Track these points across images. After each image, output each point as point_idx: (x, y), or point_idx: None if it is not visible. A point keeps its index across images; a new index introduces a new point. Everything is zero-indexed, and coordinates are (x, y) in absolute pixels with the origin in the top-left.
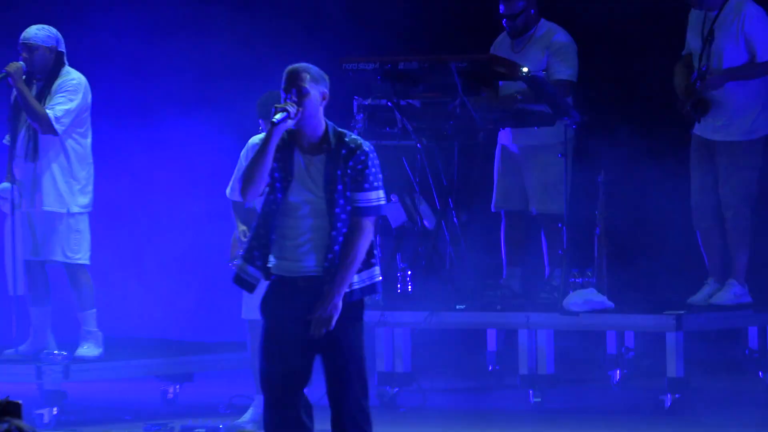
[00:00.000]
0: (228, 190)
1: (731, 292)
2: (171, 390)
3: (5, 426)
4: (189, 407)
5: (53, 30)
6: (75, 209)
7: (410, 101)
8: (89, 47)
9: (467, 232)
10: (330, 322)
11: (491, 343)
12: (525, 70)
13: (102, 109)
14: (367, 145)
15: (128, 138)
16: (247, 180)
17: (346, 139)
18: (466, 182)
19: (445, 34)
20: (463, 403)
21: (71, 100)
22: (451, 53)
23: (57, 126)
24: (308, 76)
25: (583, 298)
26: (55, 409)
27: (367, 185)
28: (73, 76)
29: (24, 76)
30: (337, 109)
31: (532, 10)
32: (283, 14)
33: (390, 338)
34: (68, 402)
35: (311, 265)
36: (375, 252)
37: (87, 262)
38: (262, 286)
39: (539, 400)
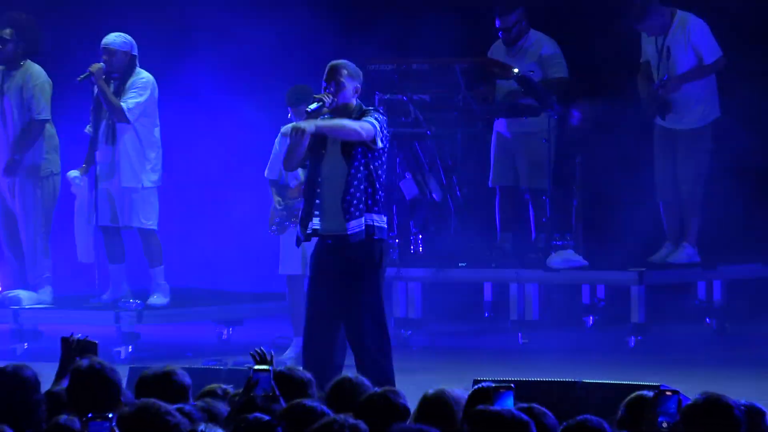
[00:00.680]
0: (266, 171)
1: (684, 253)
2: (225, 332)
3: (87, 362)
4: (239, 346)
5: (129, 37)
6: (147, 184)
7: (421, 96)
8: (164, 38)
9: (468, 204)
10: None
11: (487, 294)
12: (516, 71)
13: (171, 100)
14: (374, 108)
15: (191, 126)
16: (289, 155)
17: (365, 108)
18: (467, 162)
19: (451, 39)
20: (464, 343)
21: (141, 95)
22: (455, 56)
23: (129, 116)
24: (346, 72)
25: (563, 257)
26: (130, 347)
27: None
28: (143, 76)
29: (103, 76)
30: (365, 100)
31: (523, 22)
32: (318, 16)
33: (404, 290)
34: (141, 342)
35: (341, 222)
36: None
37: (156, 227)
38: (303, 246)
39: (527, 341)
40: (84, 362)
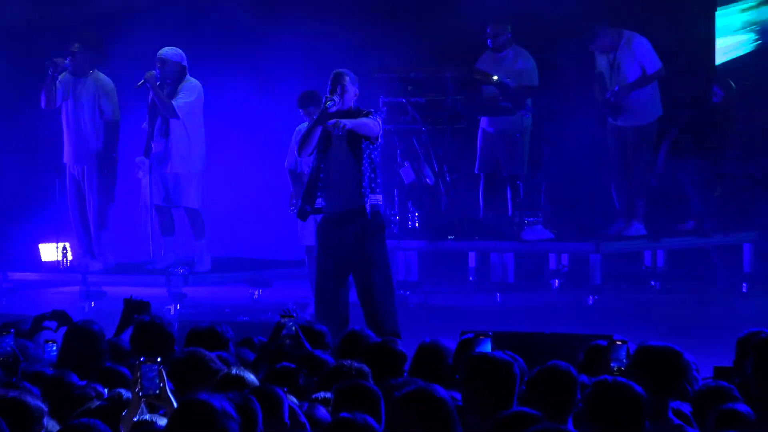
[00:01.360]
0: (286, 163)
1: (633, 228)
2: (256, 293)
3: (148, 317)
4: (268, 305)
5: (180, 50)
6: (193, 169)
7: (417, 99)
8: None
9: (456, 187)
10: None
11: (471, 261)
12: (495, 78)
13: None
14: (373, 110)
15: (229, 123)
16: (303, 143)
17: (360, 110)
18: (456, 153)
19: (443, 51)
20: (452, 302)
21: (189, 97)
22: (445, 66)
23: (179, 113)
24: (348, 79)
25: (534, 231)
26: (177, 305)
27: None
28: (192, 81)
29: (157, 81)
30: (369, 103)
31: (508, 35)
32: (330, 33)
33: (403, 258)
34: (187, 301)
35: (349, 201)
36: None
37: (199, 206)
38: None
39: (504, 299)
40: (146, 317)
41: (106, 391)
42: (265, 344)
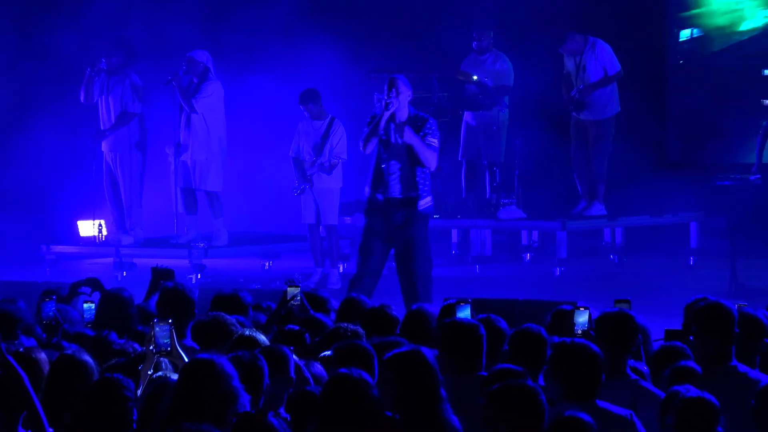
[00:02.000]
0: (290, 151)
1: (594, 208)
2: (267, 264)
3: (171, 283)
4: (278, 274)
5: (206, 52)
6: (213, 157)
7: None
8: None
9: (441, 172)
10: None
11: (454, 237)
12: (475, 78)
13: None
14: (428, 117)
15: (245, 116)
16: (367, 140)
17: (419, 115)
18: (441, 142)
19: (430, 54)
20: (437, 273)
21: (209, 94)
22: (431, 67)
23: (197, 109)
24: (400, 82)
25: (508, 211)
26: (198, 275)
27: (428, 134)
28: (212, 81)
29: (184, 79)
30: (365, 99)
31: (491, 40)
32: (333, 40)
33: None
34: (206, 271)
35: (399, 191)
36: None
37: (218, 189)
38: (315, 201)
39: (482, 271)
40: (170, 284)
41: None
42: (274, 310)
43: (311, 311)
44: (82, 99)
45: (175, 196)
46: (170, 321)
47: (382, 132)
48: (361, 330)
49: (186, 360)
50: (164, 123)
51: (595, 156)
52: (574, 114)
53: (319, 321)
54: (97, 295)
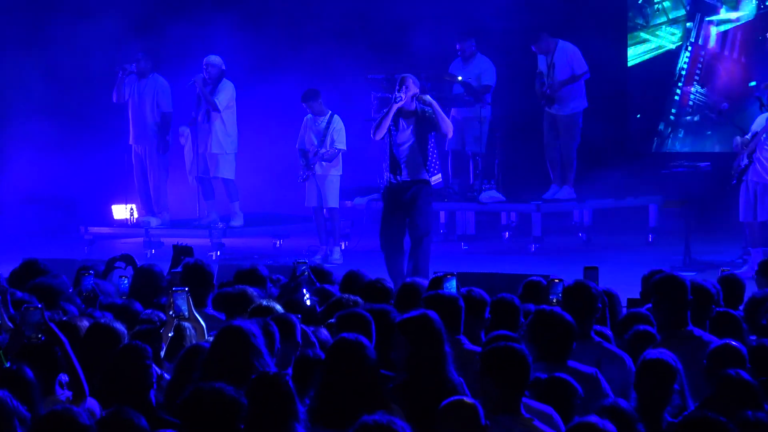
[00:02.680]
0: (297, 143)
1: (565, 192)
2: (278, 242)
3: (192, 259)
4: (288, 251)
5: (220, 58)
6: (228, 150)
7: (391, 95)
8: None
9: None
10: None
11: (442, 218)
12: (459, 78)
13: (246, 94)
14: (432, 107)
15: (257, 110)
16: (377, 129)
17: (424, 109)
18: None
19: (421, 57)
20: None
21: (225, 95)
22: (422, 69)
23: (219, 106)
24: (410, 81)
25: (489, 195)
26: (218, 252)
27: (439, 120)
28: (227, 83)
29: (204, 81)
30: (364, 97)
31: (473, 48)
32: (337, 47)
33: None
34: (224, 249)
35: (408, 175)
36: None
37: (233, 177)
38: (316, 186)
39: (467, 247)
40: (191, 259)
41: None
42: (285, 283)
43: (317, 284)
44: (114, 99)
45: (197, 183)
46: (186, 289)
47: (392, 123)
48: (360, 300)
49: (203, 325)
50: (184, 119)
51: (565, 146)
52: (546, 109)
53: (325, 291)
54: (130, 270)
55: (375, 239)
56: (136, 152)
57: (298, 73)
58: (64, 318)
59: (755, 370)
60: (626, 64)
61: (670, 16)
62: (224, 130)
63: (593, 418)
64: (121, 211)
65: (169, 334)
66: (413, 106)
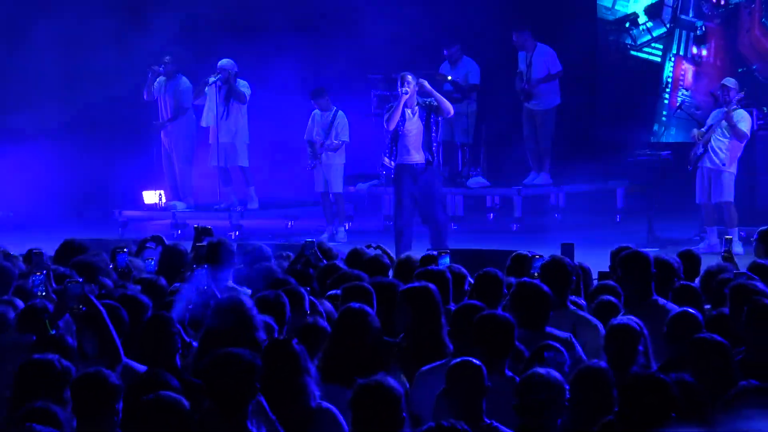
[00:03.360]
0: (305, 135)
1: (542, 178)
2: (289, 223)
3: (215, 238)
4: (298, 231)
5: (233, 60)
6: (244, 140)
7: (397, 92)
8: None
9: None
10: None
11: None
12: (449, 78)
13: (257, 90)
14: (432, 101)
15: (268, 104)
16: (390, 119)
17: (426, 101)
18: None
19: (415, 58)
20: (421, 229)
21: (242, 91)
22: (417, 68)
23: (246, 99)
24: (410, 76)
25: (476, 180)
26: (237, 232)
27: (441, 105)
28: (241, 82)
29: (218, 82)
30: (364, 94)
31: (459, 52)
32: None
33: (388, 199)
34: (242, 229)
35: (419, 158)
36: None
37: (247, 164)
38: (322, 172)
39: (456, 227)
40: (215, 239)
41: None
42: (294, 259)
43: (324, 260)
44: (144, 96)
45: (217, 171)
46: (206, 266)
47: (403, 113)
48: (364, 274)
49: (219, 296)
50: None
51: (542, 137)
52: (525, 104)
53: (331, 266)
54: (159, 249)
55: (375, 220)
56: (163, 144)
57: (306, 71)
58: (104, 291)
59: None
60: (596, 60)
61: (654, 34)
62: (242, 122)
63: (542, 370)
64: (151, 197)
65: (189, 307)
66: (416, 98)
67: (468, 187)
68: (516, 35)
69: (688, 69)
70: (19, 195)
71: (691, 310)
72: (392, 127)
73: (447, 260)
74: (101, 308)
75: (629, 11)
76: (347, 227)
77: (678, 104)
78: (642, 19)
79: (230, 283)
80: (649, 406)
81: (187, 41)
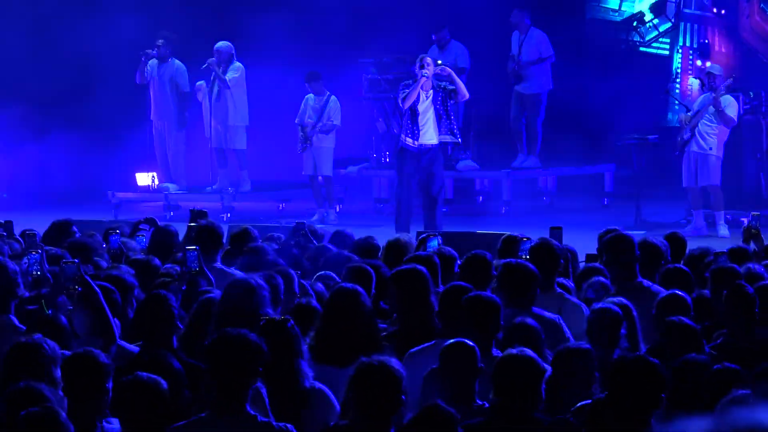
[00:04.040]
0: (297, 119)
1: (531, 160)
2: (281, 205)
3: (204, 221)
4: (289, 213)
5: (230, 43)
6: (239, 123)
7: (387, 76)
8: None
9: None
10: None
11: None
12: (439, 62)
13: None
14: (449, 84)
15: (264, 88)
16: (406, 99)
17: (441, 84)
18: None
19: (405, 43)
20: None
21: (235, 75)
22: (407, 54)
23: (229, 84)
24: (430, 60)
25: (466, 164)
26: (228, 214)
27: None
28: (236, 64)
29: (215, 65)
30: (356, 77)
31: (447, 36)
32: (332, 33)
33: (379, 182)
34: (234, 211)
35: (430, 139)
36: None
37: (243, 147)
38: (312, 156)
39: (446, 210)
40: (203, 221)
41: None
42: (284, 241)
43: (314, 241)
44: (137, 80)
45: (210, 153)
46: (197, 248)
47: (417, 96)
48: (355, 257)
49: (212, 278)
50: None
51: (531, 121)
52: (515, 88)
53: (321, 247)
54: (152, 230)
55: (365, 202)
56: (157, 127)
57: (299, 56)
58: (100, 273)
59: (698, 317)
60: (585, 47)
61: (661, 30)
62: (234, 105)
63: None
64: (143, 179)
65: (182, 288)
66: (431, 80)
67: (457, 170)
68: (515, 14)
69: (695, 57)
70: (13, 177)
71: (679, 292)
72: (407, 105)
73: (435, 243)
74: (96, 289)
75: (635, 11)
76: (338, 209)
77: (665, 90)
78: (648, 16)
79: (218, 264)
80: (638, 389)
81: (183, 24)
